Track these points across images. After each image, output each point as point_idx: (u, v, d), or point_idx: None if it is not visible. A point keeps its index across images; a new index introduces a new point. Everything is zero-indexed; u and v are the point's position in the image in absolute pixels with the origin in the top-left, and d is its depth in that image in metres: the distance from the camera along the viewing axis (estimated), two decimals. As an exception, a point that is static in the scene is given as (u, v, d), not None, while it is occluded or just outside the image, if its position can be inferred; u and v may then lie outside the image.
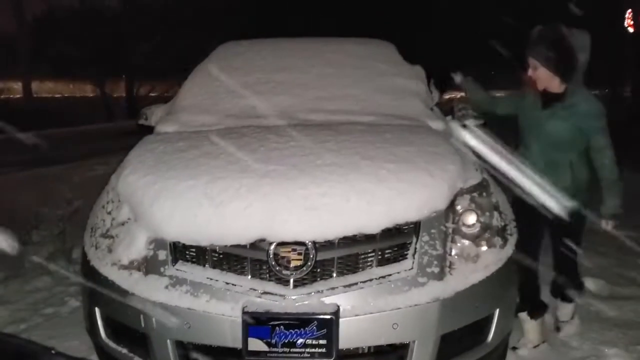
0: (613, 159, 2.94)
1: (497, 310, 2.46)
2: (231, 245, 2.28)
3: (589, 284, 3.96)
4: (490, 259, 2.45)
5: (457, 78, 3.67)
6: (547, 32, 2.93)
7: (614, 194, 2.97)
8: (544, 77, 2.97)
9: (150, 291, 2.29)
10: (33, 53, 19.41)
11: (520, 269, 3.04)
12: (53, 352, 1.80)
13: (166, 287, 2.29)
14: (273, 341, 2.17)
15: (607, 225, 3.03)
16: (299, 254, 2.25)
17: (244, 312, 2.18)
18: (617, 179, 2.96)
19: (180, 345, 2.31)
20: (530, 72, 3.00)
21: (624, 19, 13.44)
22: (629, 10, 13.98)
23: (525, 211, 2.97)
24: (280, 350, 2.17)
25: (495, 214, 2.56)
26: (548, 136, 3.02)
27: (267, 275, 2.28)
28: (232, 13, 21.53)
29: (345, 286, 2.24)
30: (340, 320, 2.18)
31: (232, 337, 2.21)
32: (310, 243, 2.25)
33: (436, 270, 2.32)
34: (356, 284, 2.25)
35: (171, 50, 19.56)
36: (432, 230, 2.39)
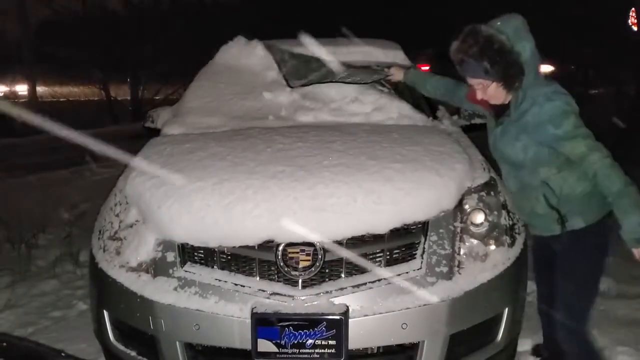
0: (607, 163, 2.12)
1: (507, 310, 2.45)
2: (239, 247, 2.28)
3: (597, 282, 3.94)
4: (498, 257, 2.44)
5: (397, 74, 3.28)
6: (467, 43, 2.22)
7: (627, 208, 2.10)
8: (499, 94, 2.30)
9: (159, 293, 2.29)
10: (38, 56, 19.46)
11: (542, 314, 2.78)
12: (63, 354, 1.80)
13: (175, 288, 2.29)
14: (282, 342, 2.17)
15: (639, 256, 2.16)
16: (308, 254, 2.25)
17: (253, 313, 2.18)
18: (622, 188, 2.10)
19: (190, 347, 2.31)
20: (479, 95, 2.33)
21: (628, 17, 13.42)
22: (632, 9, 13.95)
23: (539, 254, 2.64)
24: (290, 351, 2.17)
25: (503, 212, 2.55)
26: (507, 157, 2.43)
27: (276, 276, 2.28)
28: (236, 13, 21.59)
29: (354, 286, 2.24)
30: (350, 320, 2.18)
31: (241, 338, 2.21)
32: (318, 243, 2.24)
33: (445, 269, 2.31)
34: (365, 284, 2.25)
35: (176, 52, 19.60)
36: (441, 230, 2.38)
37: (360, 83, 3.38)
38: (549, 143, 2.22)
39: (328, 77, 3.44)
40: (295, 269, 2.25)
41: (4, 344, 1.69)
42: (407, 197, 2.32)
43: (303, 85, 3.46)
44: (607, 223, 2.31)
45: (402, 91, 3.63)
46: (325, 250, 2.25)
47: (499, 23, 2.22)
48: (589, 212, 2.30)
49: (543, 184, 2.32)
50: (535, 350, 3.04)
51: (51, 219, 5.43)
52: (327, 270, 2.28)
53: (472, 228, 2.47)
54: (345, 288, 2.23)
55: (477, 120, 3.47)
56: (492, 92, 2.29)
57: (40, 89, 20.60)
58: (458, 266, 2.36)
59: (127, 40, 20.22)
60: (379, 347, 2.31)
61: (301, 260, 2.25)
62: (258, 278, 2.29)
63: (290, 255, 2.26)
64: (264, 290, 2.24)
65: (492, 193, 2.58)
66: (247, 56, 3.76)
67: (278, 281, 2.27)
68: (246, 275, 2.30)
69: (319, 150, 2.59)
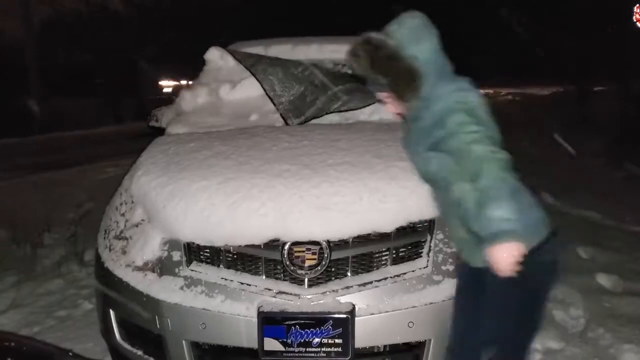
0: (487, 157, 1.73)
1: (513, 308, 2.44)
2: (245, 246, 2.28)
3: (603, 279, 3.94)
4: (505, 255, 2.42)
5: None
6: (358, 54, 1.98)
7: (489, 198, 1.69)
8: (399, 106, 2.06)
9: (165, 292, 2.29)
10: (42, 56, 19.53)
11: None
12: (70, 354, 1.80)
13: (181, 287, 2.29)
14: (289, 341, 2.17)
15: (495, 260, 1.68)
16: (313, 253, 2.25)
17: (259, 312, 2.18)
18: (491, 181, 1.70)
19: (196, 346, 2.31)
20: (390, 108, 2.11)
21: (632, 13, 13.41)
22: (637, 5, 13.93)
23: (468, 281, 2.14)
24: (296, 349, 2.17)
25: (509, 210, 2.54)
26: (420, 174, 2.13)
27: (282, 275, 2.28)
28: (237, 12, 21.63)
29: (360, 285, 2.24)
30: (356, 319, 2.17)
31: (247, 337, 2.21)
32: (324, 242, 2.24)
33: (451, 268, 2.30)
34: (371, 282, 2.25)
35: (179, 52, 19.69)
36: (447, 228, 2.37)
37: (356, 109, 3.30)
38: (445, 147, 1.87)
39: (324, 109, 3.33)
40: (301, 267, 2.25)
41: (12, 343, 1.69)
42: (412, 195, 2.31)
43: (300, 123, 3.28)
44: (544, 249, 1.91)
45: None
46: (331, 249, 2.25)
47: (393, 26, 1.98)
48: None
49: (458, 203, 1.91)
50: None
51: (56, 218, 5.43)
52: (333, 269, 2.27)
53: (478, 226, 2.46)
54: (352, 287, 2.23)
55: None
56: (393, 104, 2.06)
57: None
58: (464, 264, 2.35)
59: (130, 39, 20.27)
60: (385, 346, 2.31)
61: (307, 259, 2.25)
62: (264, 277, 2.29)
63: (296, 254, 2.25)
64: (270, 289, 2.24)
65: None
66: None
67: (284, 280, 2.27)
68: (252, 274, 2.30)
69: (324, 149, 2.59)
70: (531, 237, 1.85)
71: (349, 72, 3.80)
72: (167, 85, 27.89)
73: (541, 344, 3.11)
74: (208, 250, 2.36)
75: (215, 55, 3.89)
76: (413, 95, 1.97)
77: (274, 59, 3.66)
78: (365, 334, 2.20)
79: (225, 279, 2.28)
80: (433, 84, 1.95)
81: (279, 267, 2.29)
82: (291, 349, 2.17)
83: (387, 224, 2.28)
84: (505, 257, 1.66)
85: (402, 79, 1.95)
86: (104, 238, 2.65)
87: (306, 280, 2.24)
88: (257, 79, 3.48)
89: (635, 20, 13.20)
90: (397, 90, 1.99)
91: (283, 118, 3.29)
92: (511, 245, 1.66)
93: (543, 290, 2.03)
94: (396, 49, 1.93)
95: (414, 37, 1.95)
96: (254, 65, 3.58)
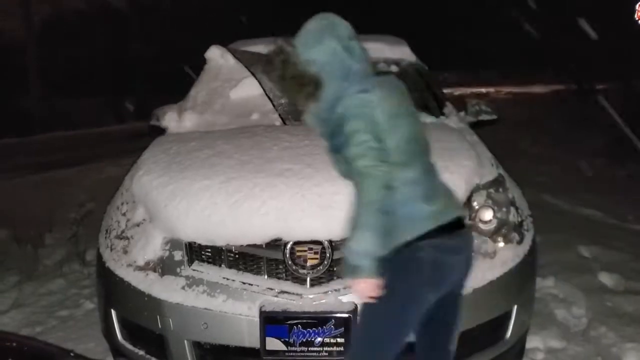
0: (365, 172, 1.71)
1: (515, 307, 2.43)
2: (247, 245, 2.28)
3: (605, 278, 3.94)
4: (507, 254, 2.42)
5: None
6: (269, 60, 2.02)
7: (354, 230, 1.72)
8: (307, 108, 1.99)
9: (166, 292, 2.29)
10: (43, 55, 19.54)
11: None
12: (72, 354, 1.80)
13: (183, 287, 2.29)
14: (291, 340, 2.16)
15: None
16: (315, 252, 2.25)
17: (262, 312, 2.17)
18: (363, 206, 1.71)
19: (198, 346, 2.31)
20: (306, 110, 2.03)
21: (634, 11, 13.39)
22: (639, 4, 13.92)
23: None
24: (299, 349, 2.17)
25: (512, 209, 2.54)
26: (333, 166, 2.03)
27: (284, 274, 2.28)
28: (238, 11, 21.65)
29: (362, 284, 2.23)
30: (358, 318, 2.16)
31: (249, 336, 2.21)
32: (326, 242, 2.24)
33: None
34: (373, 282, 2.23)
35: (179, 50, 19.69)
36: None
37: None
38: (341, 153, 1.86)
39: None
40: (303, 267, 2.24)
41: (13, 343, 1.68)
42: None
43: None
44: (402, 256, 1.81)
45: (409, 88, 3.61)
46: (333, 248, 2.24)
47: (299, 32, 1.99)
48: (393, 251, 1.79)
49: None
50: None
51: (57, 218, 5.43)
52: (335, 269, 2.27)
53: (480, 225, 2.46)
54: (354, 286, 2.22)
55: (485, 117, 3.45)
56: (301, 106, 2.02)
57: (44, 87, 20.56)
58: (466, 263, 2.34)
59: (130, 38, 20.29)
60: (387, 345, 2.30)
61: (309, 258, 2.25)
62: (266, 276, 2.29)
63: (298, 253, 2.25)
64: (272, 289, 2.24)
65: (500, 190, 2.56)
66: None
67: (286, 279, 2.27)
68: (254, 274, 2.29)
69: (326, 148, 2.58)
70: (408, 230, 1.81)
71: None
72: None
73: (543, 342, 3.11)
74: (210, 250, 2.36)
75: (215, 54, 3.88)
76: (308, 99, 1.95)
77: None
78: (368, 334, 2.19)
79: (227, 279, 2.28)
80: (336, 85, 1.90)
81: (281, 266, 2.28)
82: (293, 349, 2.17)
83: (389, 223, 2.27)
84: (362, 290, 1.73)
85: (292, 84, 1.95)
86: (105, 238, 2.64)
87: (308, 279, 2.24)
88: (256, 79, 3.47)
89: (637, 18, 13.18)
90: (290, 94, 2.00)
91: (282, 119, 3.28)
92: (367, 281, 1.70)
93: (414, 296, 1.84)
94: (291, 54, 1.94)
95: (309, 41, 1.93)
96: (253, 64, 3.57)
